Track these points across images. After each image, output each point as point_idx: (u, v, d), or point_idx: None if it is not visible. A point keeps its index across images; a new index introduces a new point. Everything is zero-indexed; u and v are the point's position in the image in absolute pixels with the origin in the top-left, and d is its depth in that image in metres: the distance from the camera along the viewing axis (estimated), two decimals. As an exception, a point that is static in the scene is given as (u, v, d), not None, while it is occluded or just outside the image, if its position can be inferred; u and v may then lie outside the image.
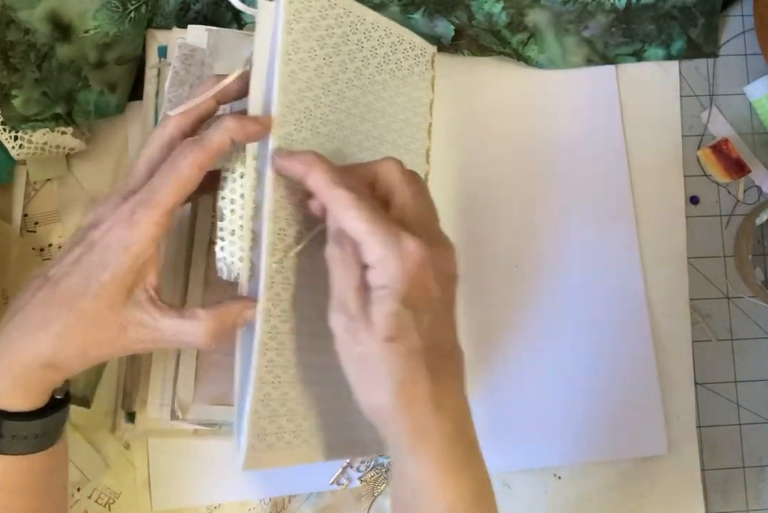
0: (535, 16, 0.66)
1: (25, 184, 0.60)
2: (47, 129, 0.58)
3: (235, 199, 0.49)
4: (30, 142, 0.58)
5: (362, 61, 0.55)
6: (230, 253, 0.49)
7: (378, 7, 0.62)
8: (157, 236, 0.45)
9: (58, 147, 0.59)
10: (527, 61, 0.66)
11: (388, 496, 0.62)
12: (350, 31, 0.54)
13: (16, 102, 0.56)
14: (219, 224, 0.49)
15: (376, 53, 0.56)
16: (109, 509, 0.59)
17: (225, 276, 0.49)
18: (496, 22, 0.65)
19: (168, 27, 0.61)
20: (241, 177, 0.49)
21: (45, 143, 0.58)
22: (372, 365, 0.43)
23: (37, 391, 0.45)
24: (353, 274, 0.43)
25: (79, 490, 0.58)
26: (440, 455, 0.44)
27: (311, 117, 0.50)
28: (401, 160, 0.48)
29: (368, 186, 0.47)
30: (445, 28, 0.63)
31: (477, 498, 0.45)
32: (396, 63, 0.58)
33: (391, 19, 0.62)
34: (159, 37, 0.61)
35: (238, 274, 0.49)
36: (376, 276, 0.43)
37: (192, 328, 0.45)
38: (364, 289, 0.43)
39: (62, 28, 0.57)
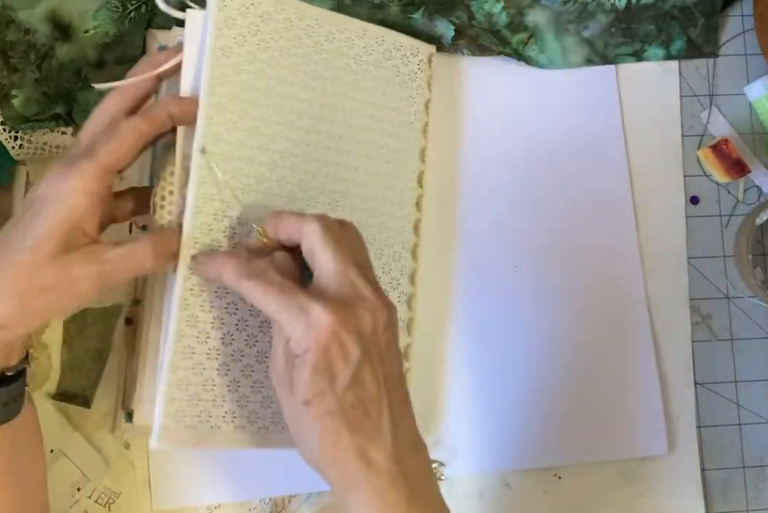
0: (535, 16, 0.66)
1: (25, 184, 0.60)
2: (47, 129, 0.58)
3: (164, 195, 0.52)
4: (30, 142, 0.58)
5: (321, 63, 0.56)
6: None
7: (378, 8, 0.62)
8: (94, 190, 0.46)
9: (58, 147, 0.59)
10: (527, 60, 0.66)
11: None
12: (304, 34, 0.55)
13: (16, 102, 0.56)
14: (151, 218, 0.52)
15: (343, 54, 0.57)
16: (109, 509, 0.59)
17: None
18: (496, 22, 0.65)
19: (168, 27, 0.61)
20: (171, 174, 0.51)
21: (45, 143, 0.58)
22: (297, 422, 0.46)
23: None
24: (284, 337, 0.45)
25: (79, 490, 0.58)
26: (372, 506, 0.45)
27: (248, 117, 0.52)
28: (381, 158, 0.53)
29: (296, 245, 0.48)
30: (445, 28, 0.63)
31: None
32: (373, 64, 0.58)
33: (392, 19, 0.62)
34: (159, 37, 0.61)
35: None
36: (293, 346, 0.45)
37: (138, 249, 0.47)
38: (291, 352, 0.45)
39: (62, 28, 0.57)
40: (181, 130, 0.51)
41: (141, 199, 0.53)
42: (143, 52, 0.61)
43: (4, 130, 0.57)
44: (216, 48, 0.51)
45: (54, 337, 0.58)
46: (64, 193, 0.45)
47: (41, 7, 0.56)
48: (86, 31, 0.57)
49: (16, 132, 0.57)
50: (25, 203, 0.47)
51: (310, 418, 0.45)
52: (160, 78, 0.51)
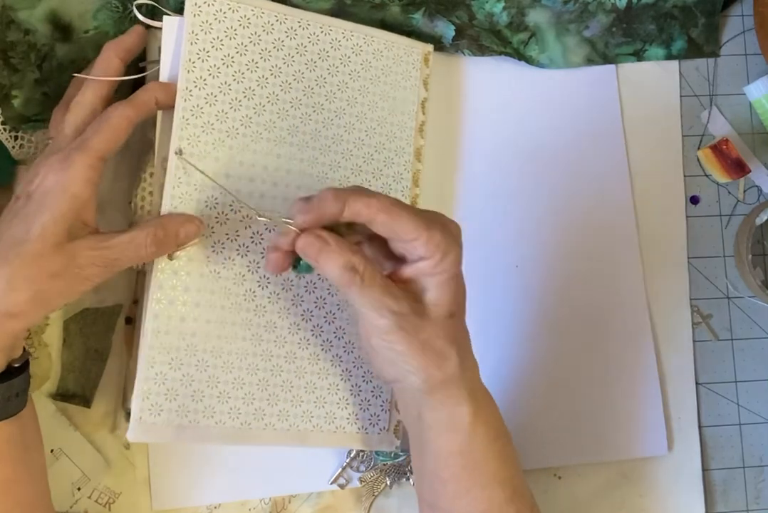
0: (536, 16, 0.66)
1: (25, 184, 0.60)
2: (47, 129, 0.58)
3: (144, 196, 0.54)
4: (30, 142, 0.58)
5: (305, 64, 0.57)
6: None
7: (378, 8, 0.62)
8: (93, 179, 0.47)
9: (58, 147, 0.59)
10: (528, 60, 0.66)
11: (387, 494, 0.62)
12: (286, 36, 0.56)
13: (16, 102, 0.56)
14: (132, 219, 0.54)
15: (328, 55, 0.57)
16: (109, 509, 0.59)
17: (134, 265, 0.53)
18: (496, 22, 0.65)
19: (168, 27, 0.61)
20: (150, 176, 0.54)
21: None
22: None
23: None
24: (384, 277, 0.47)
25: (79, 489, 0.58)
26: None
27: (226, 119, 0.54)
28: (372, 158, 0.57)
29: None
30: (445, 27, 0.63)
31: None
32: (361, 64, 0.59)
33: (392, 19, 0.62)
34: (159, 37, 0.61)
35: (144, 263, 0.53)
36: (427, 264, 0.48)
37: (138, 237, 0.48)
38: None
39: (62, 28, 0.57)
40: (158, 133, 0.53)
41: None
42: (143, 51, 0.61)
43: (5, 130, 0.57)
44: (191, 52, 0.53)
45: (54, 337, 0.58)
46: (66, 183, 0.46)
47: (41, 8, 0.56)
48: (86, 32, 0.57)
49: (17, 132, 0.57)
50: (19, 197, 0.48)
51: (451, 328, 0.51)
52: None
